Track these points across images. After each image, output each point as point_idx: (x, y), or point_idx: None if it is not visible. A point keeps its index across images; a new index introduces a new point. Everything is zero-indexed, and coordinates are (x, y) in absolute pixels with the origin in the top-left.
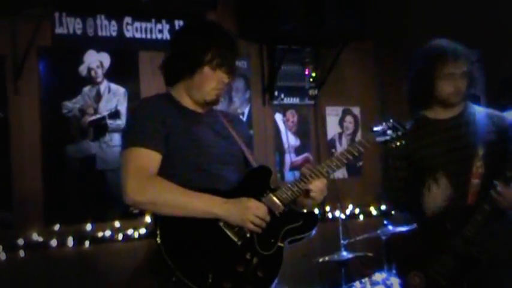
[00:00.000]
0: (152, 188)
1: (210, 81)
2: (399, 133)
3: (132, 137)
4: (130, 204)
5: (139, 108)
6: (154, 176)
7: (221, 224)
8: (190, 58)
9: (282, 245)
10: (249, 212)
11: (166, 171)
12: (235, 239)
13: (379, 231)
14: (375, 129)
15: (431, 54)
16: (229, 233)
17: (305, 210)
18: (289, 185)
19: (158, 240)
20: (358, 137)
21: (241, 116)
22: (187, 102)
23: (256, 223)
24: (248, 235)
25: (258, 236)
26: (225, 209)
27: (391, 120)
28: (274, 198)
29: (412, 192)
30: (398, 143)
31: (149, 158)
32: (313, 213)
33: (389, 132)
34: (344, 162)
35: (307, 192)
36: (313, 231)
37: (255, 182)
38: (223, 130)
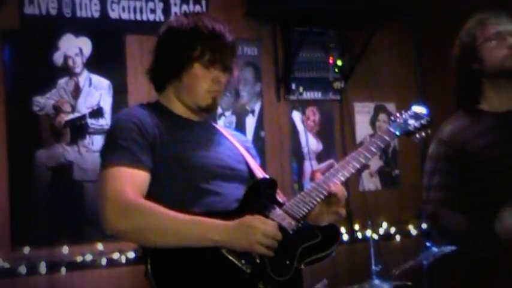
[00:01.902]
0: (136, 213)
1: (203, 81)
2: (423, 122)
3: (110, 155)
4: (112, 234)
5: (118, 120)
6: (139, 199)
7: (224, 250)
8: (175, 55)
9: (300, 267)
10: (256, 232)
11: (153, 192)
12: (243, 267)
13: (420, 256)
14: (394, 119)
15: (471, 23)
16: (235, 261)
17: (323, 224)
18: (301, 196)
19: (149, 274)
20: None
21: (250, 115)
22: (178, 109)
23: (266, 244)
24: (258, 260)
25: (269, 260)
26: (226, 233)
27: (412, 108)
28: (284, 214)
29: (470, 211)
30: (423, 133)
31: (132, 178)
32: (333, 226)
33: (411, 121)
34: (362, 162)
35: (327, 204)
36: (334, 249)
37: (258, 197)
38: (223, 140)
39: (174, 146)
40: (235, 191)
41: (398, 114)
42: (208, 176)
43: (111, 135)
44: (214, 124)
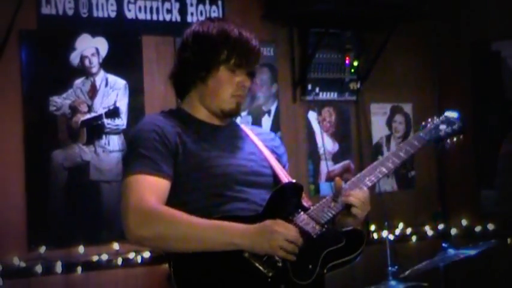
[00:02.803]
0: (158, 220)
1: (228, 85)
2: (455, 127)
3: (132, 164)
4: (135, 242)
5: (140, 129)
6: (160, 205)
7: (246, 255)
8: (202, 58)
9: (323, 271)
10: (278, 237)
11: (176, 200)
12: (265, 271)
13: (436, 257)
14: (425, 124)
15: None
16: (257, 265)
17: (348, 228)
18: (325, 201)
19: (172, 278)
20: None
21: (266, 115)
22: (202, 115)
23: (287, 249)
24: (280, 264)
25: (292, 264)
26: (248, 237)
27: (444, 113)
28: (308, 218)
29: None
30: (455, 139)
31: (153, 186)
32: (359, 230)
33: (442, 127)
34: (390, 167)
35: (347, 209)
36: (360, 253)
37: (283, 201)
38: (248, 144)
39: (197, 154)
40: (259, 197)
41: (429, 119)
42: (232, 183)
43: (132, 144)
44: (239, 126)
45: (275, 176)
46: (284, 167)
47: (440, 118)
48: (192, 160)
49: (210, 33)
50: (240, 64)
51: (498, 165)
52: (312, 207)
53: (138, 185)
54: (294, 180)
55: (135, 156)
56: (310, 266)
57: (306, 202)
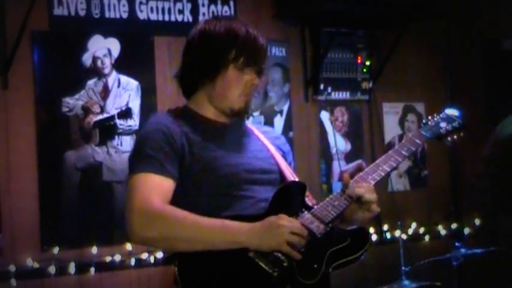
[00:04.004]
0: (162, 221)
1: (236, 84)
2: (455, 125)
3: (137, 163)
4: (139, 242)
5: (146, 129)
6: (165, 206)
7: (251, 254)
8: (211, 58)
9: (328, 270)
10: (282, 231)
11: (182, 200)
12: (271, 270)
13: (449, 255)
14: (426, 122)
15: None
16: (262, 264)
17: (353, 227)
18: (329, 199)
19: (177, 277)
20: None
21: (278, 115)
22: (209, 113)
23: (293, 241)
24: (285, 264)
25: (297, 263)
26: (252, 234)
27: (444, 111)
28: (312, 217)
29: None
30: (455, 136)
31: (158, 186)
32: (363, 229)
33: (443, 124)
34: (393, 165)
35: (358, 205)
36: (364, 252)
37: (287, 200)
38: (254, 142)
39: (204, 154)
40: (266, 194)
41: (430, 117)
42: (240, 182)
43: (139, 144)
44: (245, 124)
45: (281, 173)
46: (290, 164)
47: (441, 115)
48: (199, 161)
49: (217, 32)
50: (249, 63)
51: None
52: (315, 206)
53: (143, 184)
54: (297, 179)
55: (141, 156)
56: (316, 265)
57: (310, 201)
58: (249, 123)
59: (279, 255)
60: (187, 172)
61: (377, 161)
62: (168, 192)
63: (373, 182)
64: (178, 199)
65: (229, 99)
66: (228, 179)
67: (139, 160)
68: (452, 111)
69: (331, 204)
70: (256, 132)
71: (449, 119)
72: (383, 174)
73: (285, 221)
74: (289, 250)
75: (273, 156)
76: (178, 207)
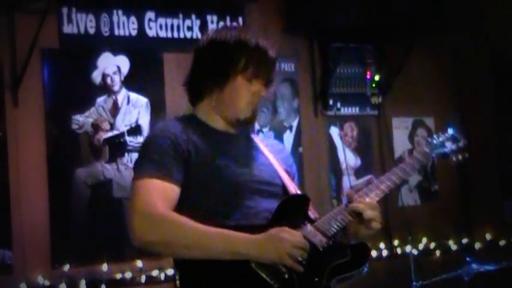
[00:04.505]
0: (164, 226)
1: (244, 94)
2: (460, 145)
3: (142, 167)
4: (140, 246)
5: (153, 134)
6: (167, 211)
7: (253, 265)
8: (220, 67)
9: (329, 284)
10: (285, 244)
11: (186, 207)
12: (272, 282)
13: (460, 271)
14: (431, 140)
15: None
16: (263, 275)
17: (354, 242)
18: (333, 213)
19: (177, 286)
20: None
21: (288, 131)
22: (215, 123)
23: (295, 255)
24: (286, 276)
25: (298, 275)
26: (254, 246)
27: (450, 130)
28: (314, 230)
29: None
30: (460, 157)
31: (162, 191)
32: (364, 244)
33: (448, 144)
34: (396, 182)
35: (360, 220)
36: (365, 267)
37: (290, 213)
38: (259, 154)
39: (209, 162)
40: (269, 206)
41: (435, 135)
42: (243, 192)
43: (145, 148)
44: (250, 135)
45: (284, 187)
46: (293, 178)
47: (446, 135)
48: (204, 168)
49: (227, 42)
50: (257, 74)
51: None
52: (318, 220)
53: (147, 189)
54: (301, 192)
55: (146, 160)
56: (316, 279)
57: (312, 214)
58: (255, 135)
59: (280, 266)
60: (192, 178)
61: (381, 177)
62: (171, 197)
63: (376, 198)
64: (182, 204)
65: (236, 109)
66: (232, 188)
67: (144, 164)
68: (457, 131)
69: (334, 218)
70: (261, 144)
71: (454, 139)
72: (386, 190)
73: (287, 234)
74: (290, 263)
75: (277, 170)
76: (181, 213)
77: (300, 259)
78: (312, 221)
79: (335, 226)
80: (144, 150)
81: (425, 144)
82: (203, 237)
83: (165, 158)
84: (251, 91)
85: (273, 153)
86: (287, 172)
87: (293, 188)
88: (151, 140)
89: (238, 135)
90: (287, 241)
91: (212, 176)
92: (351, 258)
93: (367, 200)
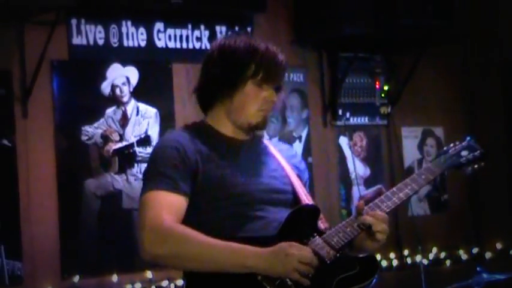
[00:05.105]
0: (172, 239)
1: (255, 100)
2: (477, 154)
3: (150, 180)
4: (149, 259)
5: (160, 146)
6: (176, 224)
7: (260, 278)
8: (230, 73)
9: None
10: (292, 260)
11: (195, 219)
12: None
13: (470, 281)
14: (446, 150)
15: None
16: None
17: (362, 255)
18: (342, 225)
19: None
20: None
21: (297, 141)
22: (226, 129)
23: (302, 270)
24: None
25: None
26: (262, 260)
27: (467, 139)
28: (323, 243)
29: None
30: (476, 166)
31: (170, 204)
32: (372, 257)
33: (463, 153)
34: (409, 194)
35: (367, 233)
36: (374, 280)
37: (299, 224)
38: (270, 160)
39: (218, 173)
40: (279, 215)
41: (452, 145)
42: (253, 202)
43: (152, 161)
44: (262, 141)
45: (295, 194)
46: (305, 184)
47: (462, 144)
48: (212, 179)
49: (237, 48)
50: (268, 79)
51: None
52: (327, 232)
53: (155, 202)
54: (311, 203)
55: (154, 173)
56: None
57: (322, 224)
58: (267, 140)
59: (287, 280)
60: (200, 189)
61: (393, 188)
62: (179, 210)
63: (387, 210)
64: (190, 216)
65: (247, 114)
66: (242, 198)
67: (152, 177)
68: (474, 140)
69: (343, 230)
70: (273, 150)
71: (471, 148)
72: (398, 202)
73: (295, 250)
74: (297, 278)
75: (288, 175)
76: (190, 225)
77: (307, 273)
78: (321, 233)
79: (343, 239)
80: (151, 162)
81: (439, 154)
82: (211, 250)
83: (173, 170)
84: (261, 96)
85: (285, 159)
86: (299, 177)
87: (304, 195)
88: (159, 151)
89: (249, 142)
90: (295, 256)
91: (220, 187)
92: (359, 271)
93: (378, 212)
